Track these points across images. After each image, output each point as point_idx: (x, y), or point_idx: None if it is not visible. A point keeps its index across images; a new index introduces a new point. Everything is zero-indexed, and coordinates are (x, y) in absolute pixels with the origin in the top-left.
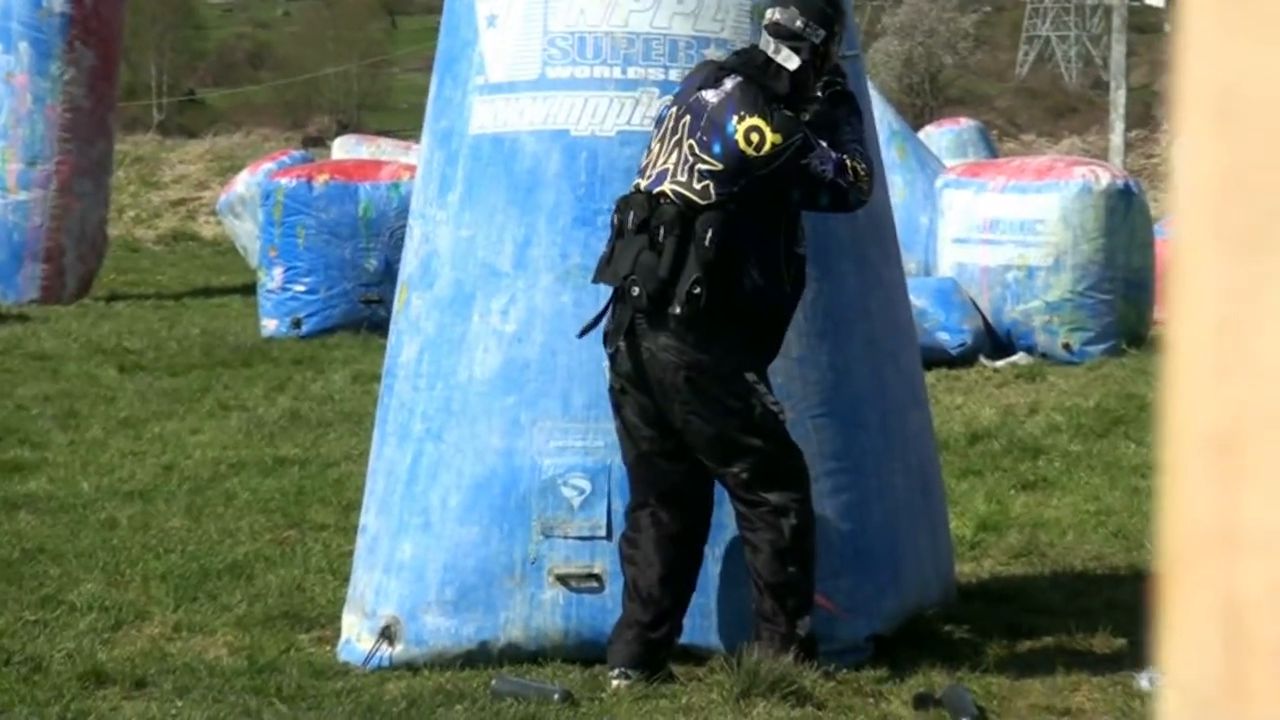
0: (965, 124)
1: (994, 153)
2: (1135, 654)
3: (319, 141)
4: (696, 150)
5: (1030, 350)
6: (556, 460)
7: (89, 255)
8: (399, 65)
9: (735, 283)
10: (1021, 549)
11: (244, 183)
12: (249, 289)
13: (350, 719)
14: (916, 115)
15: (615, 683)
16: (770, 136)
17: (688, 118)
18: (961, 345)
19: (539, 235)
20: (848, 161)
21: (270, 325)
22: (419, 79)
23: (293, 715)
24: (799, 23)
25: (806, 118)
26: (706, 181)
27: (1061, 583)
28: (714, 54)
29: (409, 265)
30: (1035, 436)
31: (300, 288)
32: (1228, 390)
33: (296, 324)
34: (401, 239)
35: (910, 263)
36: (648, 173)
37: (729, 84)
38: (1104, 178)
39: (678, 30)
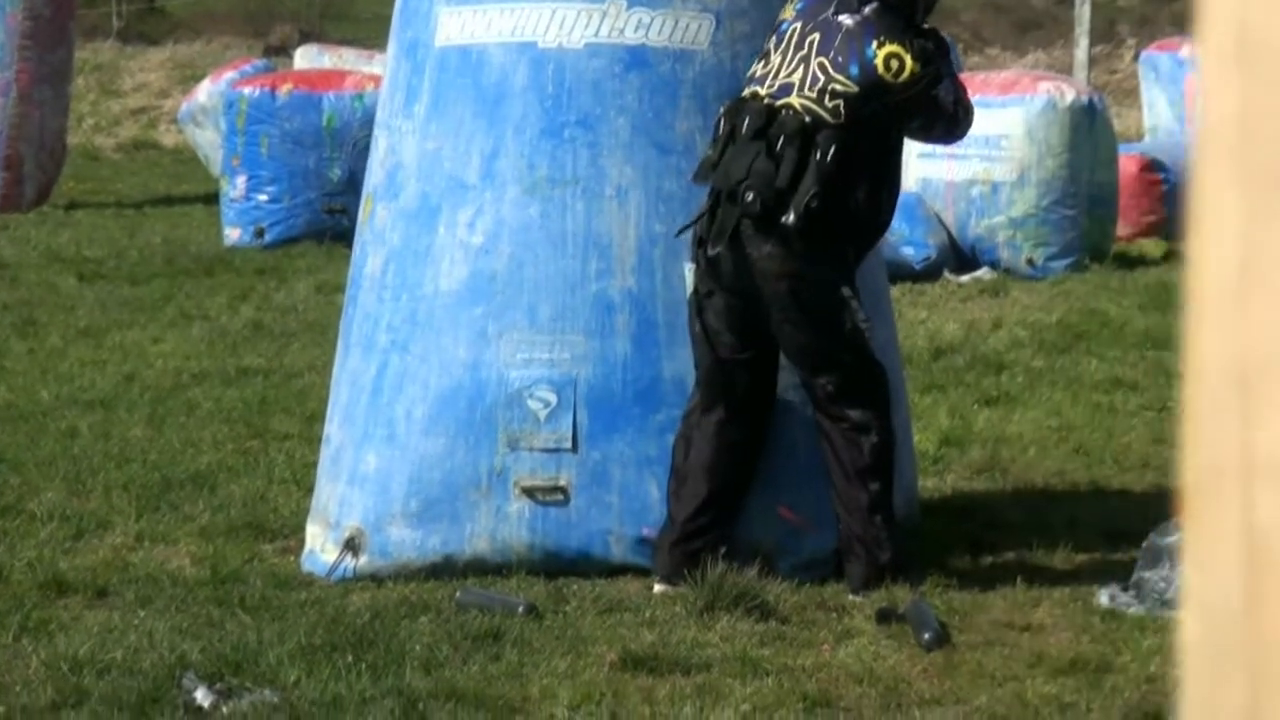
0: None
1: (960, 67)
2: (1096, 570)
3: (281, 50)
4: (830, 70)
5: (994, 265)
6: (523, 373)
7: (48, 163)
8: None
9: (846, 200)
10: (984, 464)
11: (206, 92)
12: (211, 198)
13: (314, 630)
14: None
15: (658, 588)
16: (910, 64)
17: (816, 35)
18: (926, 260)
19: (506, 147)
20: (962, 95)
21: (233, 234)
22: None
23: (256, 626)
24: None
25: (933, 48)
26: (838, 101)
27: (1023, 499)
28: None
29: (374, 176)
30: (998, 352)
31: (263, 197)
32: (1248, 325)
33: (259, 233)
34: (366, 149)
35: None
36: (768, 83)
37: (868, 10)
38: (1068, 93)
39: None
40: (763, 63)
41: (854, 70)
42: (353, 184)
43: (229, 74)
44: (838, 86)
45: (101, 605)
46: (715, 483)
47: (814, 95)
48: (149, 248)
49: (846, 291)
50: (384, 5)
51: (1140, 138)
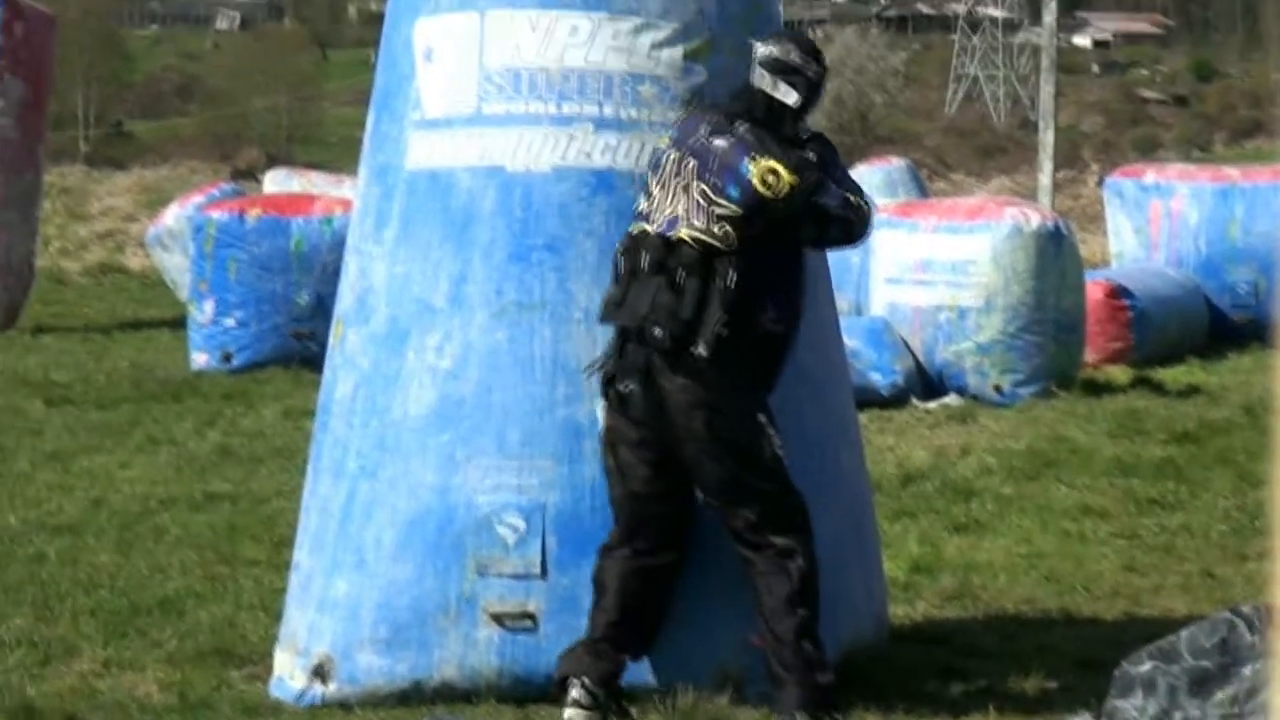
0: (895, 163)
1: (924, 192)
2: (1068, 699)
3: (248, 174)
4: (710, 195)
5: (962, 391)
6: (491, 498)
7: (15, 287)
8: (330, 99)
9: (753, 321)
10: (954, 591)
11: (173, 215)
12: (178, 322)
13: None
14: (847, 153)
15: (573, 692)
16: (786, 177)
17: (693, 161)
18: (893, 386)
19: (474, 271)
20: (850, 197)
21: (200, 359)
22: (350, 112)
23: None
24: (795, 57)
25: (812, 156)
26: (725, 225)
27: (994, 625)
28: (696, 85)
29: (344, 300)
30: (967, 478)
31: (231, 321)
32: None
33: (227, 358)
34: (334, 273)
35: (842, 302)
36: (654, 217)
37: (739, 129)
38: (1034, 219)
39: (613, 66)
40: (646, 197)
41: (733, 191)
42: (321, 308)
43: (196, 198)
44: (720, 210)
45: None
46: (629, 605)
47: (701, 224)
48: (116, 372)
49: (762, 418)
50: (351, 128)
51: (1106, 263)
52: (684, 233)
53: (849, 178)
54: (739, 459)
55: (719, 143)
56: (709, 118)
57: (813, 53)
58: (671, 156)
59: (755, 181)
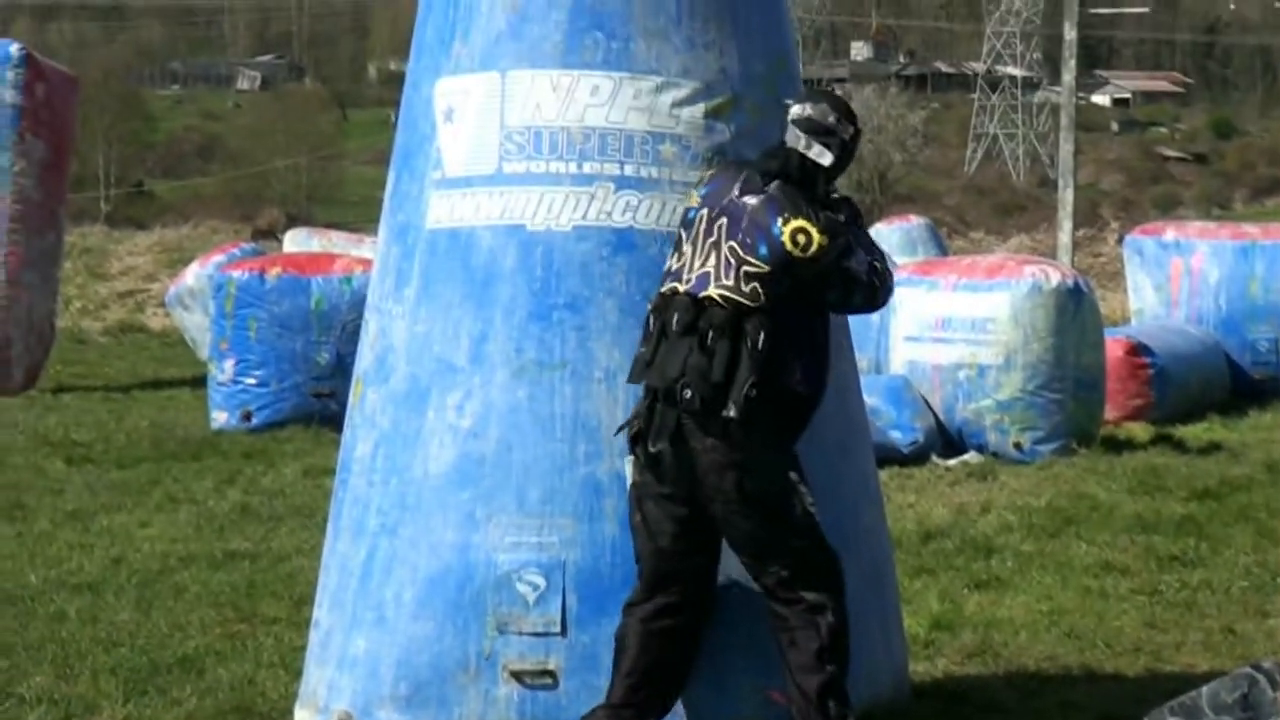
0: (915, 221)
1: (944, 250)
2: None
3: (268, 234)
4: (740, 253)
5: (981, 449)
6: (511, 556)
7: (36, 347)
8: (350, 158)
9: (783, 381)
10: (975, 648)
11: (193, 275)
12: (198, 381)
13: None
14: (866, 211)
15: None
16: (817, 238)
17: (724, 220)
18: (913, 443)
19: (495, 330)
20: (875, 263)
21: (220, 418)
22: (369, 171)
23: None
24: (831, 118)
25: (841, 218)
26: (754, 284)
27: (1015, 683)
28: (721, 142)
29: (364, 359)
30: (987, 535)
31: (251, 380)
32: None
33: (247, 416)
34: (354, 332)
35: (862, 360)
36: (685, 276)
37: (771, 188)
38: (1054, 276)
39: (633, 125)
40: (677, 256)
41: (763, 250)
42: (341, 367)
43: (217, 257)
44: (750, 269)
45: None
46: (651, 663)
47: (731, 283)
48: (136, 431)
49: (794, 476)
50: (371, 188)
51: (1126, 321)
52: (713, 291)
53: (873, 243)
54: (770, 516)
55: (751, 201)
56: (741, 176)
57: (848, 114)
58: (703, 215)
59: (786, 240)
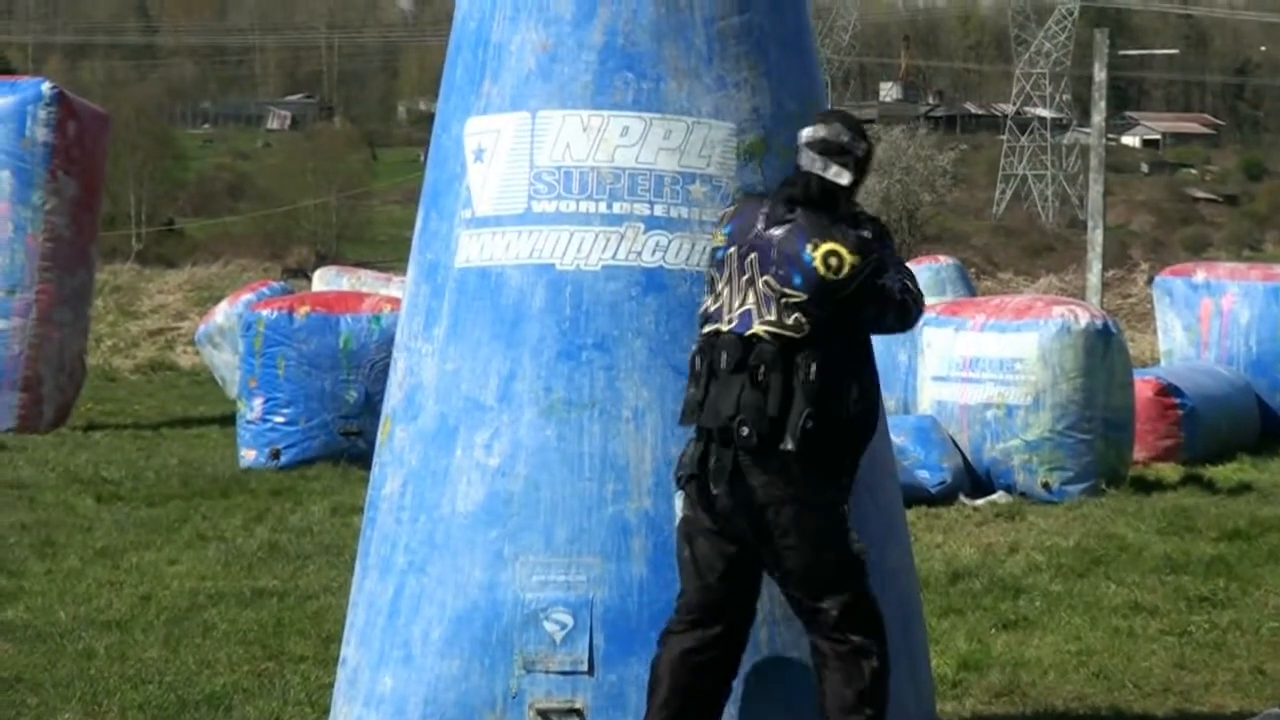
0: (944, 262)
1: (972, 291)
2: None
3: (298, 272)
4: (775, 285)
5: (1009, 489)
6: (539, 594)
7: (67, 385)
8: (379, 197)
9: (838, 408)
10: (1003, 688)
11: (223, 313)
12: (227, 419)
13: None
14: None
15: None
16: (849, 258)
17: (753, 255)
18: (941, 483)
19: (523, 369)
20: (906, 281)
21: (249, 456)
22: (398, 211)
23: None
24: (845, 137)
25: (869, 235)
26: (796, 314)
27: None
28: (724, 184)
29: (393, 397)
30: (1016, 576)
31: (280, 419)
32: None
33: (275, 455)
34: (383, 371)
35: (890, 400)
36: (726, 316)
37: (794, 216)
38: (1083, 317)
39: (663, 165)
40: (713, 297)
41: (798, 280)
42: (369, 406)
43: (246, 296)
44: (789, 299)
45: None
46: (686, 700)
47: (774, 317)
48: (166, 469)
49: (846, 510)
50: (400, 228)
51: (1155, 362)
52: (759, 328)
53: (902, 261)
54: (823, 552)
55: (776, 233)
56: (763, 208)
57: (859, 131)
58: (732, 254)
59: (819, 265)
